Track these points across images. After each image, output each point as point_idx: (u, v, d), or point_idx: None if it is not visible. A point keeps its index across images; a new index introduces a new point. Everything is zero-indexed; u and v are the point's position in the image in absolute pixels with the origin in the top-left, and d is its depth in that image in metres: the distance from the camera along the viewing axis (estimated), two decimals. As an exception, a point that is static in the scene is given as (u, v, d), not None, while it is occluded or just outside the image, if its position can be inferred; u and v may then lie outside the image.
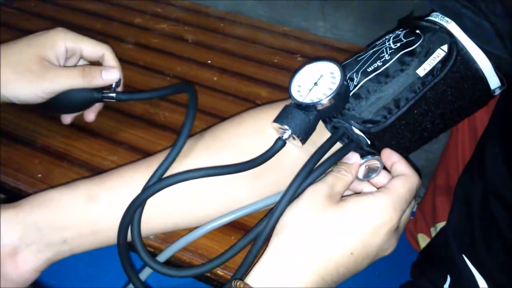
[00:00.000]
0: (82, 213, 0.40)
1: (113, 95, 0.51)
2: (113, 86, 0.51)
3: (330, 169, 0.42)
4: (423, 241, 0.71)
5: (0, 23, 0.73)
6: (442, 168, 0.73)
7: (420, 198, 0.78)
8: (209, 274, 0.45)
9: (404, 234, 0.75)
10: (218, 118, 0.59)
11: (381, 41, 0.44)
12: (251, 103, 0.62)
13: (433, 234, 0.69)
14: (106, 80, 0.50)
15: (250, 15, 0.80)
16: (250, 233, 0.42)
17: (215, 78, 0.66)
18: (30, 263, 0.39)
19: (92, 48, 0.51)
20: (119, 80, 0.52)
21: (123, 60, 0.67)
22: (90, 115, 0.55)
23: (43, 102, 0.49)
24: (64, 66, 0.51)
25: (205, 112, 0.61)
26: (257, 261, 0.37)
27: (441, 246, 0.60)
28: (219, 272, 0.45)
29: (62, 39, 0.49)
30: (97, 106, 0.56)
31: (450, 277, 0.55)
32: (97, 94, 0.51)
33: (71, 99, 0.50)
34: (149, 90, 0.56)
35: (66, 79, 0.47)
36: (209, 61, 0.69)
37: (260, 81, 0.66)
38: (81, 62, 0.55)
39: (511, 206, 0.47)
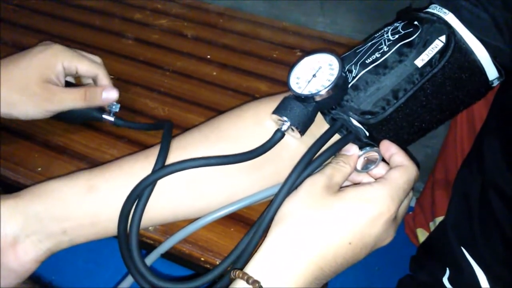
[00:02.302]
0: (81, 204, 0.41)
1: (112, 119, 0.54)
2: (112, 110, 0.54)
3: (328, 161, 0.42)
4: (422, 235, 0.72)
5: (1, 20, 0.74)
6: (441, 163, 0.73)
7: (419, 193, 0.78)
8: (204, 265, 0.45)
9: (403, 228, 0.76)
10: (218, 112, 0.59)
11: (379, 33, 0.44)
12: (251, 98, 0.62)
13: (432, 229, 0.69)
14: (106, 100, 0.53)
15: (249, 11, 0.80)
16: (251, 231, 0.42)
17: (215, 73, 0.66)
18: (30, 253, 0.39)
19: (86, 68, 0.53)
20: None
21: (123, 56, 0.68)
22: None
23: None
24: (66, 84, 0.53)
25: (205, 106, 0.61)
26: (256, 252, 0.38)
27: (440, 239, 0.60)
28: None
29: (60, 59, 0.51)
30: None
31: (449, 269, 0.55)
32: (97, 113, 0.54)
33: (73, 115, 0.53)
34: (141, 123, 0.57)
35: (69, 102, 0.51)
36: (209, 56, 0.69)
37: (259, 75, 0.66)
38: None
39: (509, 198, 0.47)
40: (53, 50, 0.51)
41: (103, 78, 0.54)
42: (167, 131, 0.46)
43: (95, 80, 0.54)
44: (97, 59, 0.56)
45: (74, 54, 0.52)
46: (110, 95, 0.53)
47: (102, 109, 0.54)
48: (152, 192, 0.42)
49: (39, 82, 0.49)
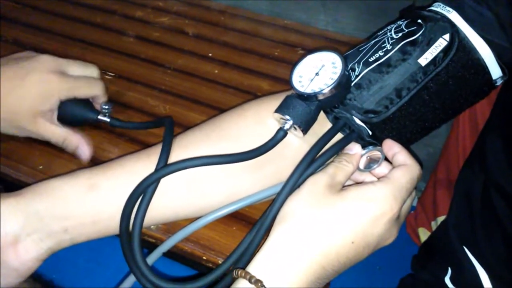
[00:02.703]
0: (83, 203, 0.40)
1: (108, 120, 0.53)
2: (107, 110, 0.53)
3: (331, 160, 0.42)
4: (423, 235, 0.72)
5: (1, 17, 0.73)
6: (442, 162, 0.73)
7: (421, 192, 0.78)
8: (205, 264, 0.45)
9: (405, 228, 0.75)
10: (219, 110, 0.59)
11: (382, 31, 0.44)
12: (252, 96, 0.62)
13: (434, 228, 0.69)
14: (78, 154, 0.52)
15: (251, 9, 0.80)
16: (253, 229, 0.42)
17: (216, 71, 0.66)
18: (31, 252, 0.39)
19: (87, 93, 0.52)
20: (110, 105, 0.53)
21: (124, 54, 0.68)
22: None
23: None
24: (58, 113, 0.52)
25: (206, 104, 0.61)
26: (258, 251, 0.37)
27: (441, 238, 0.60)
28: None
29: (57, 92, 0.50)
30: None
31: (451, 269, 0.55)
32: (92, 114, 0.53)
33: (67, 120, 0.52)
34: (137, 122, 0.57)
35: (50, 138, 0.51)
36: (210, 54, 0.69)
37: (261, 74, 0.66)
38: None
39: (511, 198, 0.47)
40: (51, 85, 0.50)
41: (100, 97, 0.53)
42: (169, 129, 0.46)
43: (92, 98, 0.54)
44: (94, 71, 0.55)
45: (71, 86, 0.51)
46: (83, 153, 0.51)
47: (97, 111, 0.53)
48: (155, 190, 0.42)
49: (29, 115, 0.49)
